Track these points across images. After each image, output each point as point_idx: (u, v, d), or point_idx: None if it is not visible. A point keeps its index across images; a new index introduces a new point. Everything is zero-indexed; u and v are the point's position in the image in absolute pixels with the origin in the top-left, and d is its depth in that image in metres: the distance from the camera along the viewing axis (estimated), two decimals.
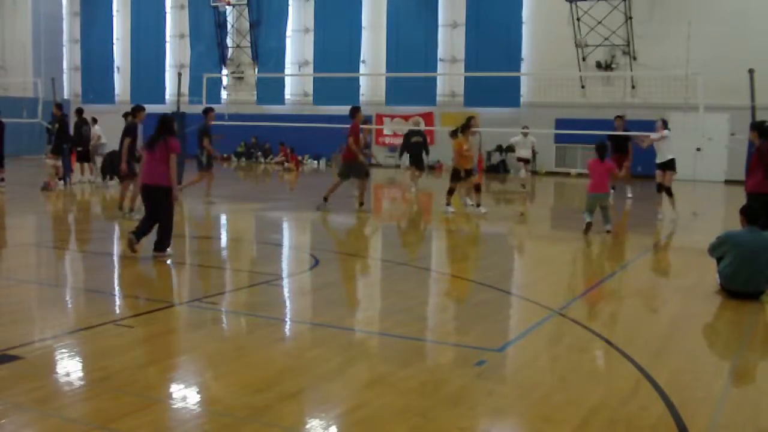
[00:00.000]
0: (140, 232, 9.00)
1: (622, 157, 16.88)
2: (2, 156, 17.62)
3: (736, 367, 5.59)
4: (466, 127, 14.18)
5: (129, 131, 13.15)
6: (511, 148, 23.76)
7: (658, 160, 14.70)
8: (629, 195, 17.35)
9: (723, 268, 7.58)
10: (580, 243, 11.95)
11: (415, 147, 18.87)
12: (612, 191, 17.35)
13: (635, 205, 18.36)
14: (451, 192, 14.40)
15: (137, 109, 13.47)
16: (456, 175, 14.18)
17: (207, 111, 15.23)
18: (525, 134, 20.11)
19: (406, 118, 29.58)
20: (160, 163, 8.95)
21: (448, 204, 14.42)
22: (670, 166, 14.47)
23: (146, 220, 9.13)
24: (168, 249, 9.04)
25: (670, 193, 14.32)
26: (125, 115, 18.70)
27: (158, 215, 9.00)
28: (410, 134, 17.94)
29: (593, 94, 26.61)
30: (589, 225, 11.61)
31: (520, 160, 20.82)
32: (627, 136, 17.11)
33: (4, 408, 4.23)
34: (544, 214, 16.81)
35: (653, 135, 15.02)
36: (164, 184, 8.95)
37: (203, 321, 6.45)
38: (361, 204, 14.51)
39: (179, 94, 22.73)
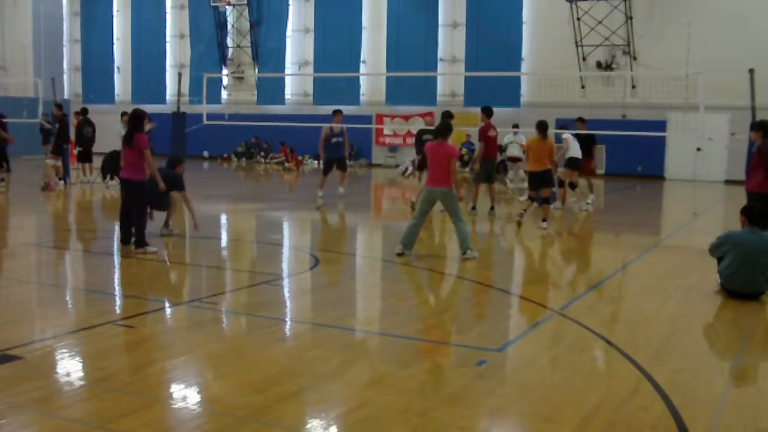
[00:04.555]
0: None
1: (586, 161, 16.62)
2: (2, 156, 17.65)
3: (736, 368, 5.59)
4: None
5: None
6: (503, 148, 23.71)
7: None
8: (588, 201, 15.95)
9: (723, 268, 7.58)
10: (580, 243, 11.96)
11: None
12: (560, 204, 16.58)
13: (635, 205, 18.35)
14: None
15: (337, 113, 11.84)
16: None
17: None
18: (515, 133, 20.13)
19: (406, 118, 29.58)
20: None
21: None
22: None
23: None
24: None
25: (573, 187, 15.50)
26: (123, 115, 18.77)
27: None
28: (421, 132, 16.83)
29: (593, 94, 26.59)
30: (400, 255, 9.30)
31: (510, 159, 20.84)
32: (593, 140, 16.57)
33: (4, 408, 4.23)
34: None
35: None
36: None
37: (203, 321, 6.45)
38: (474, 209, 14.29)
39: (179, 94, 22.76)
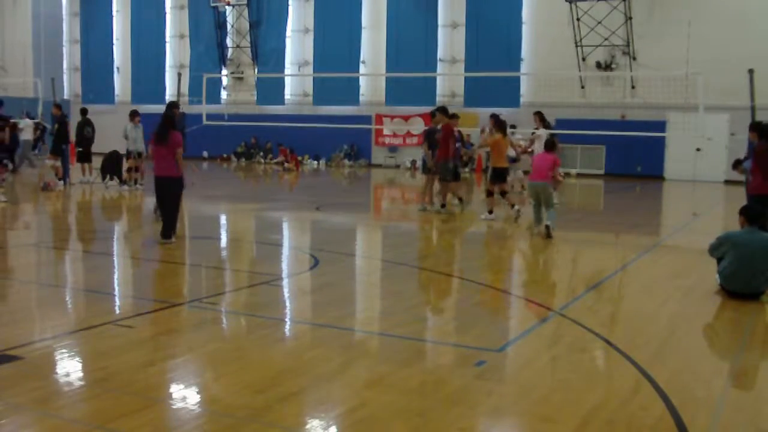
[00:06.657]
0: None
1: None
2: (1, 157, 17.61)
3: (736, 368, 5.59)
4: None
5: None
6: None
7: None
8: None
9: (723, 268, 7.58)
10: (580, 243, 11.97)
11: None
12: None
13: (635, 205, 18.36)
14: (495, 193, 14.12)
15: None
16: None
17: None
18: (512, 133, 20.06)
19: (405, 118, 29.60)
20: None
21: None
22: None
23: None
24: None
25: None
26: (135, 115, 18.55)
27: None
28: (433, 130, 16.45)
29: (593, 94, 26.62)
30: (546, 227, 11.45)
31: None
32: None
33: (4, 408, 4.23)
34: None
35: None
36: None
37: (203, 321, 6.44)
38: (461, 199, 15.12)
39: (179, 94, 22.74)
